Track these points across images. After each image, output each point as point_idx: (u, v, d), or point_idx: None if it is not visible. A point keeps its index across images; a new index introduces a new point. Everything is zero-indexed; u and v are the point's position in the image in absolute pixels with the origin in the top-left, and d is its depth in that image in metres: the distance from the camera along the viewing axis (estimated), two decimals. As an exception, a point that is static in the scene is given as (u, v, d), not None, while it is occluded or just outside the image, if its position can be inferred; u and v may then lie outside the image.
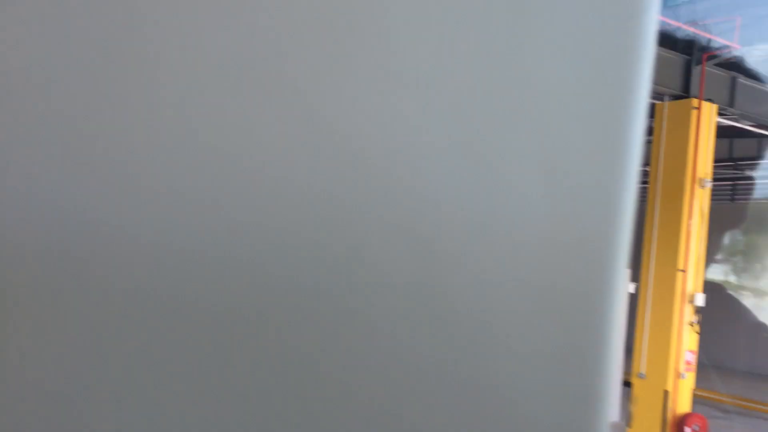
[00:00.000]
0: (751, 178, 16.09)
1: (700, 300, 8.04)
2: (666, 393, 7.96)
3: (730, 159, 16.34)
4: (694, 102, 7.97)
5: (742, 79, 8.93)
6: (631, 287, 8.37)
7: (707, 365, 15.21)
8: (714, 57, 8.03)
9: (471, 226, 0.39)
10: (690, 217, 7.94)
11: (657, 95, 8.30)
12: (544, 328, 0.41)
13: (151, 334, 0.34)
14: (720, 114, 9.05)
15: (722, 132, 12.32)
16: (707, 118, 8.08)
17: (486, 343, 0.40)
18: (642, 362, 8.23)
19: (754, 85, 9.13)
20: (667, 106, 8.18)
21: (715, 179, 17.22)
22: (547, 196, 0.40)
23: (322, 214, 0.36)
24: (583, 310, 0.42)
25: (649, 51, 0.43)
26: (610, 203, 0.42)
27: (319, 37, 0.36)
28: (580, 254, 0.41)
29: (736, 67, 9.55)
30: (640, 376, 8.23)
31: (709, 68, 8.52)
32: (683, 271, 7.92)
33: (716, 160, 16.81)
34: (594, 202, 0.42)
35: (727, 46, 7.67)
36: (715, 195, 17.66)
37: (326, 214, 0.36)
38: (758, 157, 15.50)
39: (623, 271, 0.43)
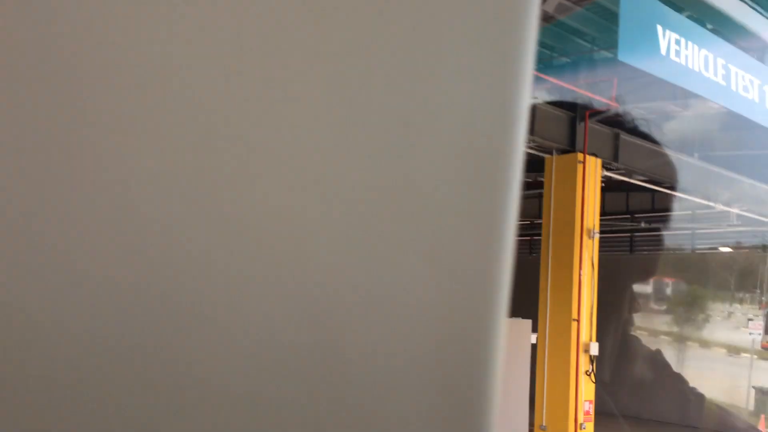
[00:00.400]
0: (647, 230, 16.85)
1: (595, 349, 8.17)
2: (567, 444, 7.96)
3: (627, 212, 17.17)
4: (579, 156, 8.29)
5: (624, 135, 9.42)
6: (533, 338, 8.43)
7: (616, 414, 15.49)
8: (596, 114, 8.43)
9: (347, 287, 0.40)
10: (580, 267, 8.14)
11: (546, 150, 8.61)
12: (425, 392, 0.41)
13: None
14: (607, 168, 9.50)
15: (618, 186, 12.97)
16: (592, 171, 8.42)
17: (366, 408, 0.40)
18: (543, 414, 8.23)
19: (635, 141, 9.64)
20: (554, 160, 8.48)
21: (613, 231, 17.99)
22: (424, 264, 0.41)
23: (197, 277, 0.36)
24: (463, 372, 0.43)
25: (523, 120, 0.44)
26: (487, 267, 0.43)
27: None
28: (458, 319, 0.42)
29: (618, 124, 10.10)
30: (542, 428, 8.21)
31: (593, 125, 8.95)
32: (576, 320, 8.06)
33: (613, 213, 17.64)
34: (471, 268, 0.42)
35: (606, 104, 8.07)
36: (616, 246, 18.43)
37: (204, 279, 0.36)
38: (653, 210, 16.33)
39: (502, 335, 0.44)
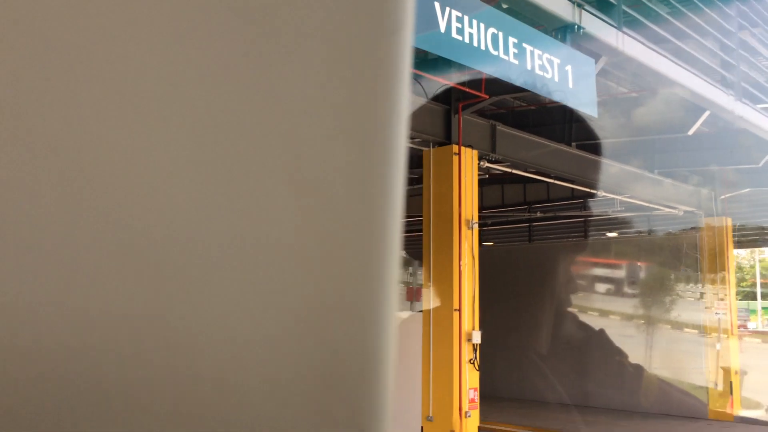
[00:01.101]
0: (544, 220, 17.37)
1: (477, 337, 8.29)
2: (453, 434, 8.03)
3: (525, 203, 17.66)
4: (455, 148, 8.39)
5: (502, 127, 9.63)
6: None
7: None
8: (469, 106, 8.55)
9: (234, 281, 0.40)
10: (460, 258, 8.24)
11: (424, 143, 8.68)
12: (316, 390, 0.42)
13: None
14: (488, 160, 9.68)
15: (517, 178, 13.28)
16: (468, 162, 8.54)
17: (254, 408, 0.41)
18: (430, 405, 8.29)
19: (514, 132, 9.87)
20: (431, 153, 8.56)
21: (512, 222, 18.38)
22: (309, 265, 0.41)
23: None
24: (354, 369, 0.43)
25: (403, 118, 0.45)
26: (374, 265, 0.43)
27: None
28: (347, 317, 0.43)
29: (504, 116, 10.33)
30: (429, 419, 8.26)
31: (471, 117, 9.10)
32: (458, 310, 8.15)
33: (512, 205, 18.03)
34: (358, 267, 0.43)
35: (478, 96, 8.19)
36: (515, 237, 18.87)
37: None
38: (548, 200, 16.85)
39: (392, 331, 0.45)
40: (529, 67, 4.82)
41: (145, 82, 0.37)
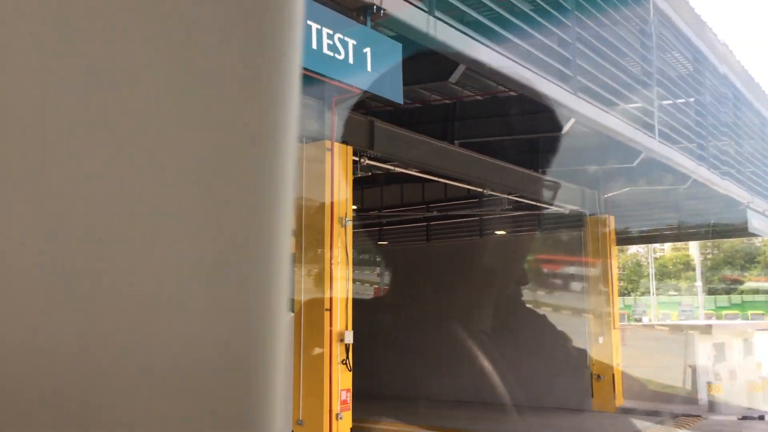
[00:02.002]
0: (441, 219, 17.49)
1: (349, 337, 8.12)
2: (324, 437, 7.82)
3: (423, 202, 17.72)
4: (327, 144, 8.18)
5: (381, 124, 9.51)
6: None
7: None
8: (342, 101, 8.36)
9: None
10: (331, 256, 8.04)
11: (298, 138, 8.42)
12: (208, 390, 0.43)
13: None
14: (370, 158, 9.54)
15: (416, 178, 13.21)
16: (343, 158, 8.35)
17: (144, 408, 0.41)
18: (300, 408, 8.04)
19: (395, 129, 9.78)
20: (304, 149, 8.31)
21: (408, 221, 18.39)
22: (200, 268, 0.42)
23: None
24: (246, 371, 0.44)
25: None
26: (265, 269, 0.44)
27: None
28: (239, 320, 0.43)
29: (384, 113, 10.22)
30: (299, 423, 8.02)
31: (347, 113, 8.92)
32: (329, 310, 7.95)
33: (410, 204, 18.02)
34: (248, 271, 0.44)
35: (350, 91, 8.02)
36: (412, 236, 18.90)
37: None
38: (445, 199, 16.96)
39: (284, 333, 0.45)
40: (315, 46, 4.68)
41: (33, 82, 0.37)
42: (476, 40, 5.30)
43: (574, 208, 14.31)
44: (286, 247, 0.45)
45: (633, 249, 76.50)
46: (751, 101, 11.68)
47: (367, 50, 5.11)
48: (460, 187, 13.53)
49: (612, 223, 14.84)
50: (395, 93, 5.83)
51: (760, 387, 13.92)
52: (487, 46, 5.31)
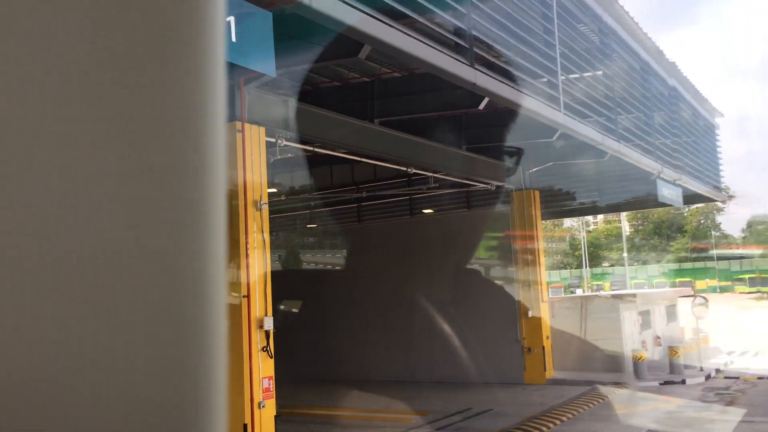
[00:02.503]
0: (371, 199, 17.34)
1: (269, 323, 7.91)
2: (245, 426, 7.61)
3: (353, 183, 17.53)
4: (238, 125, 7.88)
5: (300, 105, 9.23)
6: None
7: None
8: (251, 81, 8.06)
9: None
10: (246, 241, 7.78)
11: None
12: (146, 386, 0.43)
13: None
14: (288, 138, 9.27)
15: (343, 159, 12.96)
16: (255, 140, 8.07)
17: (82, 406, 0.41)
18: (220, 399, 7.80)
19: (314, 109, 9.53)
20: (214, 131, 7.98)
21: (339, 203, 18.17)
22: (135, 268, 0.42)
23: None
24: (186, 367, 0.44)
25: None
26: (200, 265, 0.44)
27: None
28: (175, 316, 0.44)
29: (302, 93, 9.93)
30: (220, 414, 7.77)
31: (261, 92, 8.62)
32: (246, 296, 7.71)
33: (340, 186, 17.79)
34: (182, 267, 0.44)
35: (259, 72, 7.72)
36: (346, 218, 18.71)
37: None
38: (375, 180, 16.81)
39: (222, 329, 0.47)
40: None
41: None
42: (366, 13, 5.12)
43: (500, 184, 14.40)
44: (221, 242, 0.45)
45: (568, 223, 78.75)
46: (659, 72, 11.91)
47: (231, 19, 4.85)
48: (390, 167, 13.40)
49: (537, 198, 15.02)
50: (267, 66, 5.57)
51: (680, 352, 14.42)
52: (381, 21, 5.13)
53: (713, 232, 69.39)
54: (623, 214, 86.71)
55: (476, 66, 5.61)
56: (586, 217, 67.01)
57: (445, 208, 16.35)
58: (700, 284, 63.51)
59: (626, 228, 58.10)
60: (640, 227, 79.75)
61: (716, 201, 18.87)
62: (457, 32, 5.73)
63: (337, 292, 17.26)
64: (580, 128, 7.77)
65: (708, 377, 14.22)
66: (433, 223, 16.56)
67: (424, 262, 16.11)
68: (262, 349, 7.86)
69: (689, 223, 72.40)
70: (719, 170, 16.90)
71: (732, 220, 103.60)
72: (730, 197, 72.95)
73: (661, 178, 11.87)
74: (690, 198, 17.15)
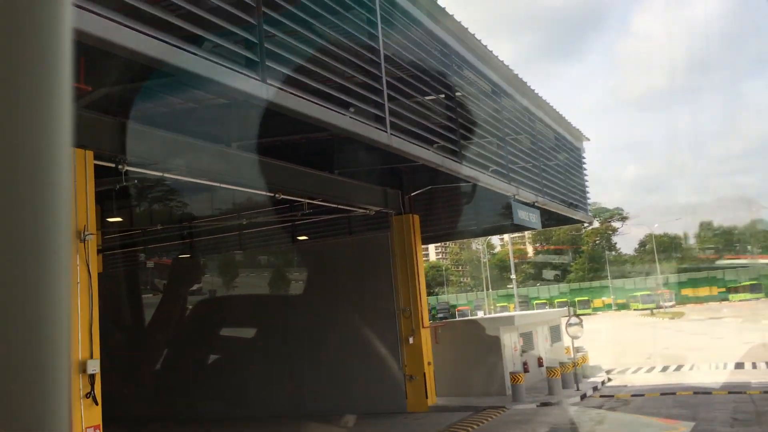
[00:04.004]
0: (255, 226, 16.71)
1: (94, 366, 7.18)
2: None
3: (235, 210, 16.83)
4: (58, 148, 7.19)
5: (139, 126, 8.62)
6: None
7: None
8: (77, 98, 7.40)
9: None
10: (74, 275, 7.06)
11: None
12: None
13: None
14: (131, 165, 8.62)
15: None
16: (80, 165, 7.41)
17: None
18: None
19: (156, 132, 8.93)
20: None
21: (220, 231, 17.30)
22: None
23: None
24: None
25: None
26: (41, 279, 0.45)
27: None
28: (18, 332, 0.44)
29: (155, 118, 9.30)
30: (35, 471, 6.94)
31: (95, 114, 7.98)
32: (65, 337, 6.97)
33: (223, 213, 16.92)
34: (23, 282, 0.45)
35: (82, 89, 7.11)
36: (229, 246, 17.88)
37: None
38: (254, 207, 16.20)
39: (66, 347, 0.48)
40: None
41: None
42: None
43: (377, 209, 14.18)
44: (66, 254, 0.46)
45: (474, 245, 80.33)
46: (513, 95, 12.04)
47: None
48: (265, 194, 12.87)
49: (417, 222, 14.89)
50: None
51: (558, 372, 14.54)
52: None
53: (608, 252, 72.50)
54: (527, 236, 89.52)
55: (269, 81, 5.26)
56: (492, 238, 68.55)
57: (329, 234, 15.96)
58: (597, 302, 66.06)
59: (510, 251, 59.97)
60: (541, 249, 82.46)
61: (583, 222, 19.28)
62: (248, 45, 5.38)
63: (214, 325, 16.45)
64: (413, 150, 7.59)
65: (584, 396, 14.39)
66: (312, 249, 16.13)
67: (306, 290, 15.61)
68: (86, 395, 7.12)
69: (586, 244, 75.44)
70: (585, 192, 17.37)
71: (627, 239, 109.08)
72: (624, 218, 76.95)
73: (518, 201, 11.96)
74: (561, 220, 17.53)
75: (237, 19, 5.33)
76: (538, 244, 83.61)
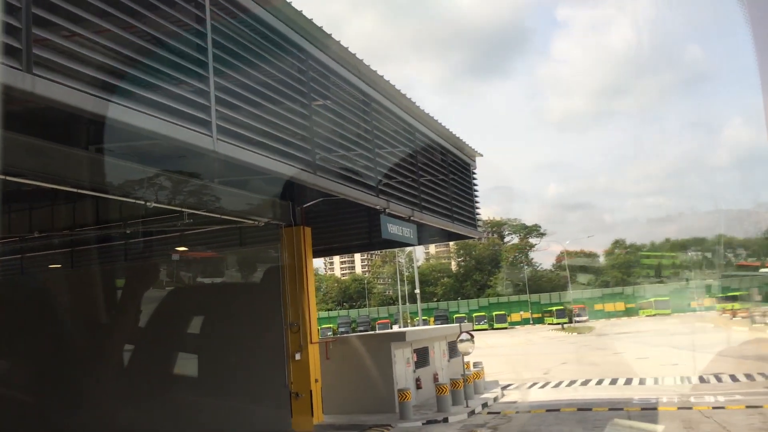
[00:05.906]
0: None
1: None
2: None
3: (121, 219, 15.89)
4: None
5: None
6: None
7: None
8: None
9: None
10: None
11: None
12: None
13: None
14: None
15: (69, 195, 11.38)
16: None
17: None
18: None
19: (24, 138, 8.17)
20: None
21: (101, 240, 16.29)
22: None
23: None
24: None
25: None
26: None
27: None
28: None
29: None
30: None
31: None
32: None
33: (99, 223, 15.96)
34: None
35: None
36: (111, 256, 16.90)
37: None
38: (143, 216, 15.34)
39: None
40: None
41: None
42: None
43: (266, 220, 13.66)
44: None
45: (398, 258, 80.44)
46: (391, 108, 11.84)
47: None
48: (137, 204, 12.10)
49: (309, 235, 14.44)
50: None
51: (447, 389, 14.34)
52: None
53: (525, 267, 74.03)
54: (452, 250, 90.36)
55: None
56: (415, 251, 68.67)
57: (220, 245, 15.30)
58: (515, 317, 67.22)
59: (415, 266, 60.44)
60: (463, 263, 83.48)
61: (471, 238, 19.21)
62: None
63: (76, 342, 15.43)
64: (247, 158, 7.17)
65: (472, 413, 14.25)
66: (193, 262, 15.43)
67: (180, 305, 14.89)
68: None
69: (504, 259, 76.82)
70: (475, 208, 17.36)
71: (546, 255, 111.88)
72: (542, 234, 78.85)
73: (391, 215, 11.73)
74: (452, 235, 17.33)
75: None
76: (461, 259, 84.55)
